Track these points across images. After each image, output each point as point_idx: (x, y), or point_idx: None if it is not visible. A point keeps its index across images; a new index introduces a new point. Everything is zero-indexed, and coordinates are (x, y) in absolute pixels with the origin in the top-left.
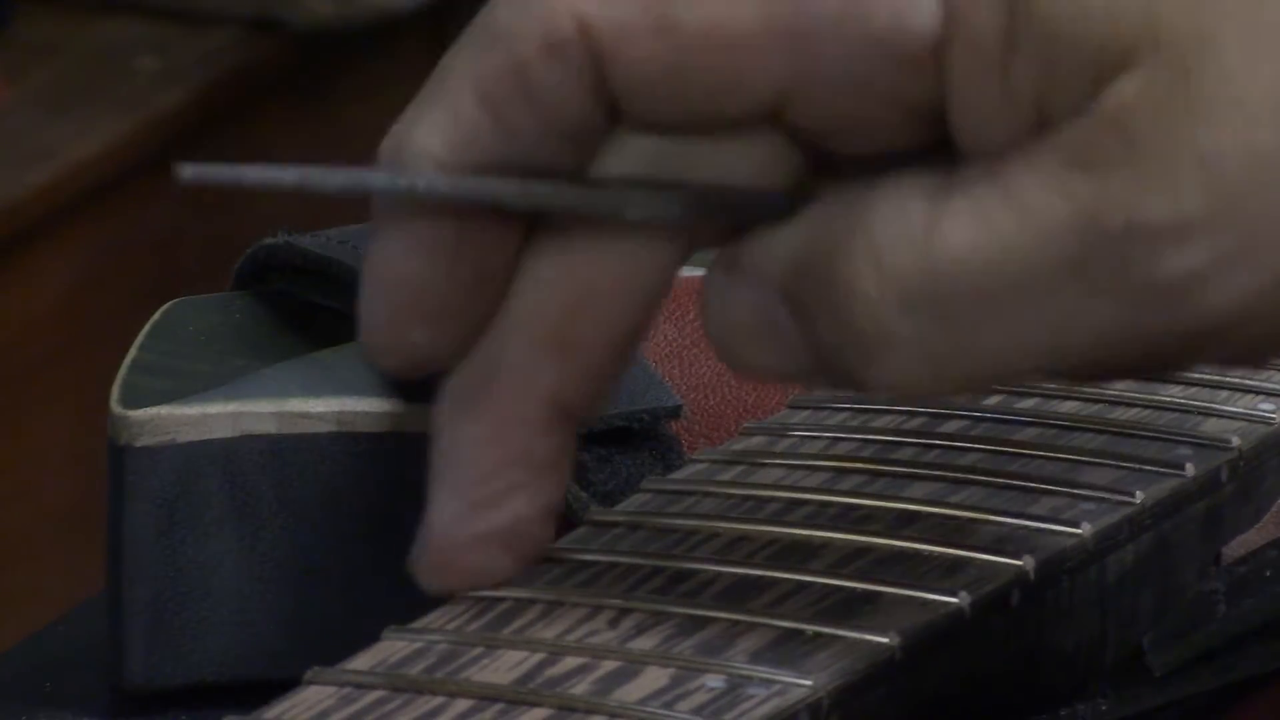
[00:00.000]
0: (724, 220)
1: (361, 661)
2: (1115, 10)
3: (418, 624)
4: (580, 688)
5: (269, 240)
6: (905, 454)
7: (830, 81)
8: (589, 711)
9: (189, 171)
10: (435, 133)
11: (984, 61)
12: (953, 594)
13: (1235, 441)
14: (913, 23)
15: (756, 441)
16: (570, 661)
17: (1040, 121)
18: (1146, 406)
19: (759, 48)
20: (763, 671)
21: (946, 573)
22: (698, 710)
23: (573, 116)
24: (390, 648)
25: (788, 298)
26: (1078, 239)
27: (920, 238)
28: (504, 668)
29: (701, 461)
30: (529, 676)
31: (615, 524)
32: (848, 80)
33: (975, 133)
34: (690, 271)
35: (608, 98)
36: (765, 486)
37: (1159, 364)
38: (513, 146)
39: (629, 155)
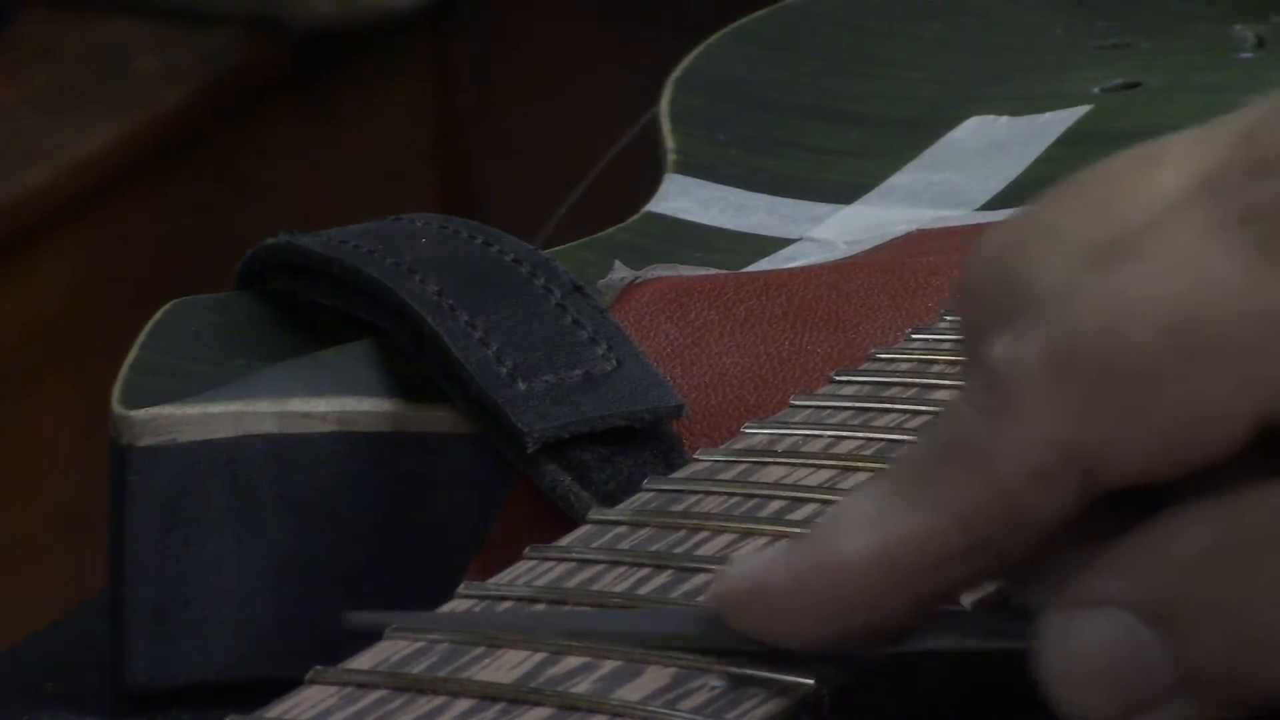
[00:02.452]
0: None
1: (363, 661)
2: None
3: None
4: (582, 687)
5: (270, 240)
6: None
7: None
8: (591, 711)
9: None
10: (903, 539)
11: None
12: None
13: None
14: None
15: (758, 440)
16: (572, 660)
17: None
18: None
19: (1239, 407)
20: (764, 670)
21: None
22: (700, 709)
23: (1049, 523)
24: (392, 647)
25: (1153, 617)
26: None
27: None
28: (506, 667)
29: (703, 461)
30: (531, 675)
31: (617, 523)
32: None
33: None
34: (694, 271)
35: (1093, 493)
36: (767, 485)
37: None
38: (976, 556)
39: None
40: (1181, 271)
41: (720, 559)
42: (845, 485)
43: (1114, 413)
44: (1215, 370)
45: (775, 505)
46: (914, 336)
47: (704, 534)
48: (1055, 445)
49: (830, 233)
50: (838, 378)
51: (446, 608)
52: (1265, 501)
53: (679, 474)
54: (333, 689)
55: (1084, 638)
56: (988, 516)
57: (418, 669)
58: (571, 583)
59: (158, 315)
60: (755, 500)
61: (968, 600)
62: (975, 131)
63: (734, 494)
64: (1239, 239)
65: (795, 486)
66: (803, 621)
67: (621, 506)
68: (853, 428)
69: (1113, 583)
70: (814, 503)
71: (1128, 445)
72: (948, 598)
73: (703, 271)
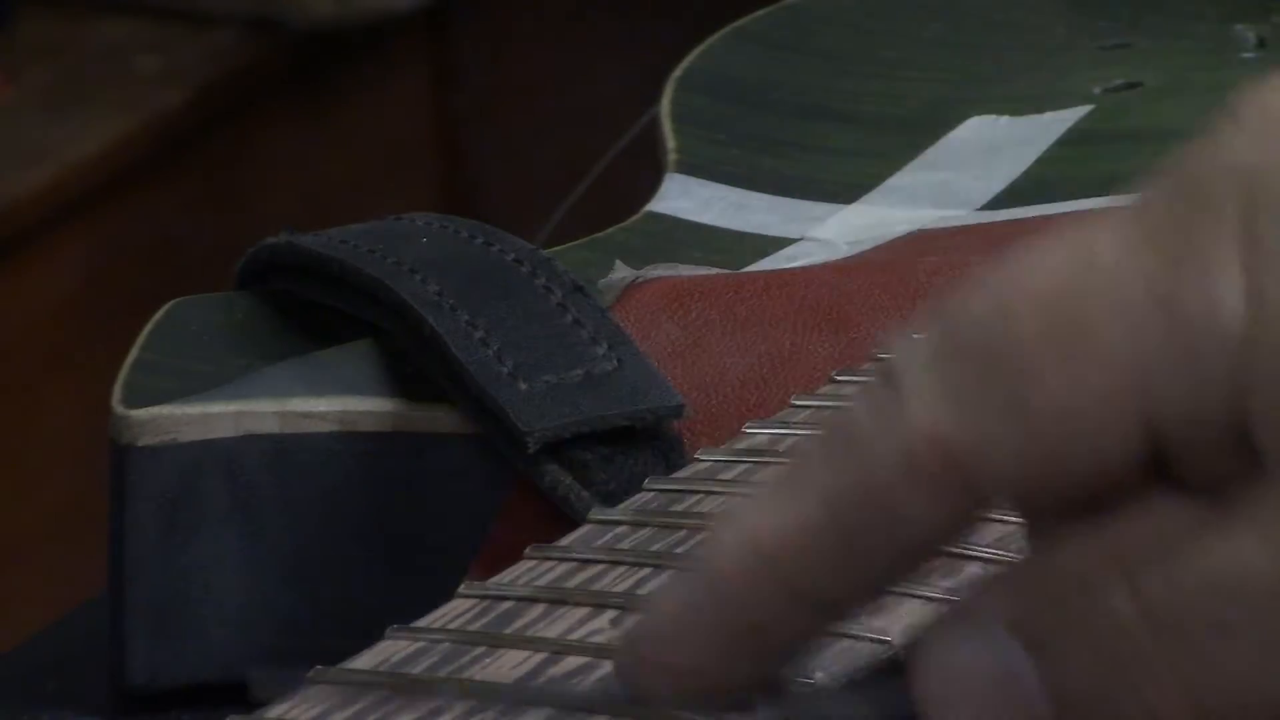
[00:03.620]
0: None
1: (364, 661)
2: None
3: (420, 623)
4: (583, 687)
5: (270, 240)
6: None
7: (1179, 410)
8: (591, 710)
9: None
10: (773, 528)
11: None
12: (955, 593)
13: None
14: (1222, 317)
15: (760, 440)
16: (572, 661)
17: None
18: None
19: (1121, 409)
20: None
21: (949, 571)
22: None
23: (926, 530)
24: (393, 647)
25: (1028, 640)
26: None
27: (1186, 560)
28: (506, 667)
29: (704, 460)
30: (531, 675)
31: (618, 523)
32: (1189, 401)
33: (1256, 457)
34: (695, 270)
35: (969, 503)
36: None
37: None
38: (850, 554)
39: None
40: (1069, 257)
41: None
42: None
43: (991, 406)
44: (1095, 361)
45: None
46: (915, 337)
47: (704, 534)
48: (932, 438)
49: (831, 233)
50: (839, 377)
51: (447, 607)
52: (1137, 523)
53: (680, 474)
54: (333, 689)
55: (960, 658)
56: (856, 505)
57: (418, 669)
58: (572, 583)
59: (158, 315)
60: None
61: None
62: (976, 131)
63: (735, 494)
64: (1138, 235)
65: None
66: (694, 648)
67: (622, 506)
68: None
69: (991, 601)
70: None
71: (1005, 444)
72: (834, 614)
73: (703, 271)
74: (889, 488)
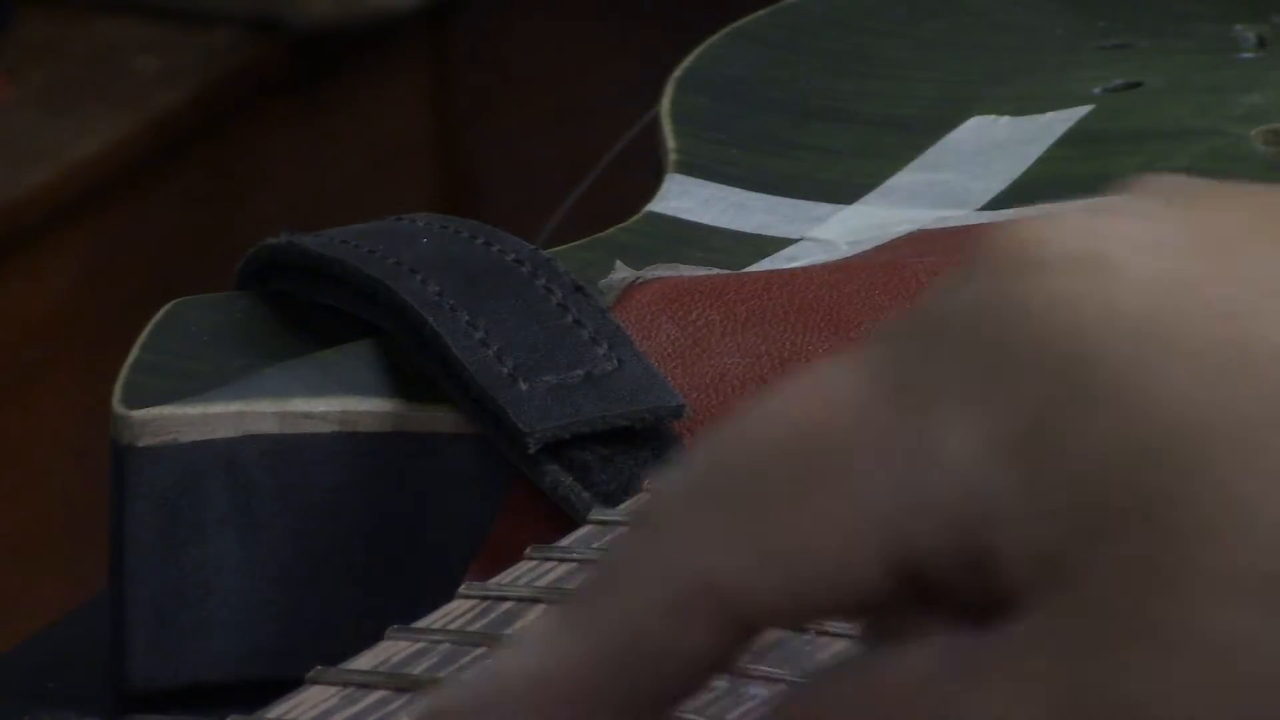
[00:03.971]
0: None
1: (364, 661)
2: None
3: (420, 623)
4: None
5: (271, 240)
6: None
7: (922, 549)
8: None
9: None
10: (555, 666)
11: (1010, 514)
12: None
13: None
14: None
15: None
16: None
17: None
18: None
19: (862, 548)
20: (764, 670)
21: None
22: (699, 710)
23: (698, 660)
24: (393, 647)
25: None
26: None
27: (948, 710)
28: None
29: None
30: None
31: (618, 523)
32: (929, 541)
33: (1010, 591)
34: (695, 271)
35: (739, 632)
36: None
37: None
38: (626, 689)
39: None
40: (812, 396)
41: None
42: None
43: (743, 545)
44: (827, 498)
45: None
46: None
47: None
48: (691, 577)
49: (831, 233)
50: None
51: (447, 608)
52: (895, 661)
53: None
54: (333, 689)
55: None
56: (625, 650)
57: (419, 669)
58: (573, 583)
59: (158, 315)
60: None
61: None
62: (976, 131)
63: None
64: (875, 375)
65: None
66: None
67: (623, 507)
68: None
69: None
70: None
71: (761, 580)
72: None
73: (704, 271)
74: (654, 628)
